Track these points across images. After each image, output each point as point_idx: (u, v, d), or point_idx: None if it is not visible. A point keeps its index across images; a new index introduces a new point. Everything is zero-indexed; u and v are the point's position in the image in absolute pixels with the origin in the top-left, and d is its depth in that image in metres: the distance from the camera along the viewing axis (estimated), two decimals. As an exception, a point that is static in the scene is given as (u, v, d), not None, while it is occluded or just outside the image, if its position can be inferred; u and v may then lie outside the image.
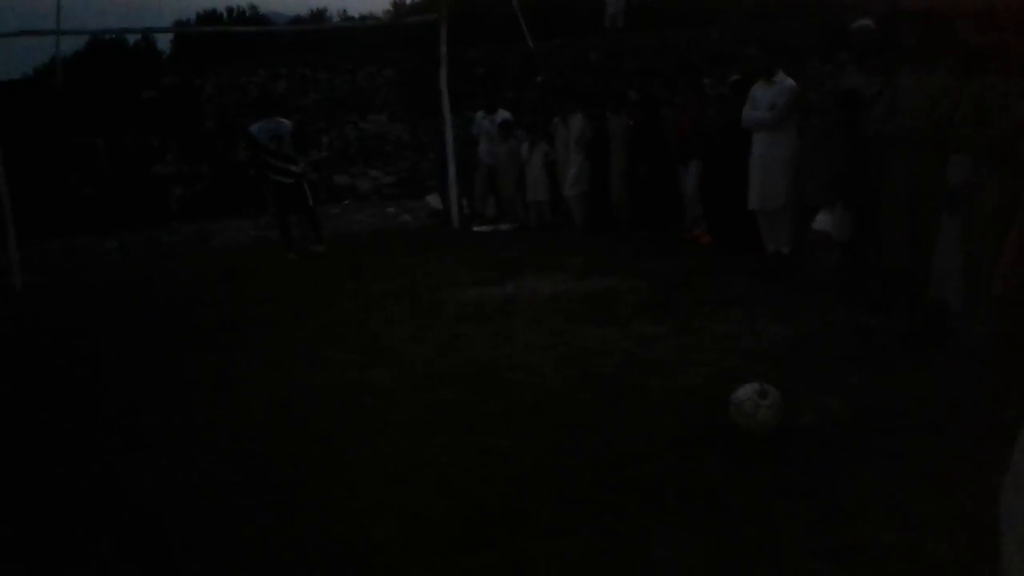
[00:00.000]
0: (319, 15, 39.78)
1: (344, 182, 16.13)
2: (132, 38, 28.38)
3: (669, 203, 9.25)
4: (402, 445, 4.29)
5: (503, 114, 11.72)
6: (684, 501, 3.46)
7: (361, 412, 4.86)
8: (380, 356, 5.94)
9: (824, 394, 4.40)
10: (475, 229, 11.42)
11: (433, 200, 13.24)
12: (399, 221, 13.33)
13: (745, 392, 3.96)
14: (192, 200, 15.24)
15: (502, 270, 8.38)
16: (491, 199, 12.27)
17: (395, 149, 16.50)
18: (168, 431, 4.82)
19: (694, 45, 15.18)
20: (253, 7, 39.14)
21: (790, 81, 7.38)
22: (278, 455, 4.33)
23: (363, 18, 33.48)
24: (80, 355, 6.62)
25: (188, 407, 5.21)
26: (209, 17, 39.06)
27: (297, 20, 38.07)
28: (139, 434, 4.81)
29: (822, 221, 6.51)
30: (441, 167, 12.14)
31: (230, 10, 39.86)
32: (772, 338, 5.37)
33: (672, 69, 11.81)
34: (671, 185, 9.15)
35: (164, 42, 33.62)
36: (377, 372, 5.58)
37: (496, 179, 11.81)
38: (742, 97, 7.91)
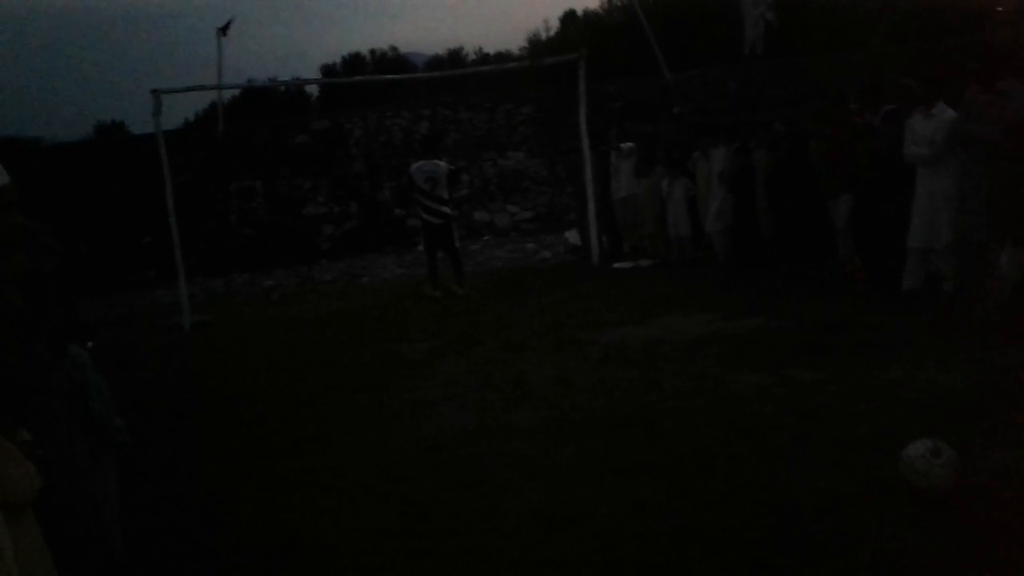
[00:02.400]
0: (456, 54, 41.16)
1: (483, 218, 16.46)
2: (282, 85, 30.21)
3: (819, 238, 8.94)
4: (553, 494, 4.30)
5: (628, 146, 11.68)
6: (847, 566, 3.30)
7: (510, 457, 4.90)
8: (526, 398, 5.99)
9: (1001, 450, 4.10)
10: (615, 266, 11.38)
11: (572, 236, 13.30)
12: (538, 257, 13.45)
13: (917, 448, 3.75)
14: (341, 239, 15.92)
15: (645, 309, 8.30)
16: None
17: (533, 185, 16.72)
18: (327, 471, 5.01)
19: (838, 70, 14.65)
20: (394, 48, 40.96)
21: (950, 112, 6.99)
22: (431, 500, 4.42)
23: (499, 56, 34.35)
24: (243, 396, 6.99)
25: (344, 447, 5.41)
26: (354, 61, 41.11)
27: (435, 60, 39.52)
28: (300, 474, 5.02)
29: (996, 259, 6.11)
30: (580, 203, 12.22)
31: (373, 52, 41.83)
32: (941, 386, 5.06)
33: (816, 98, 11.45)
34: (820, 219, 8.84)
35: (312, 87, 35.60)
36: (524, 415, 5.63)
37: (631, 215, 11.76)
38: (894, 128, 7.58)
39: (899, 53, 14.78)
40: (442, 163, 10.72)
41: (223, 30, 19.17)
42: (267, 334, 9.54)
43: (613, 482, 4.35)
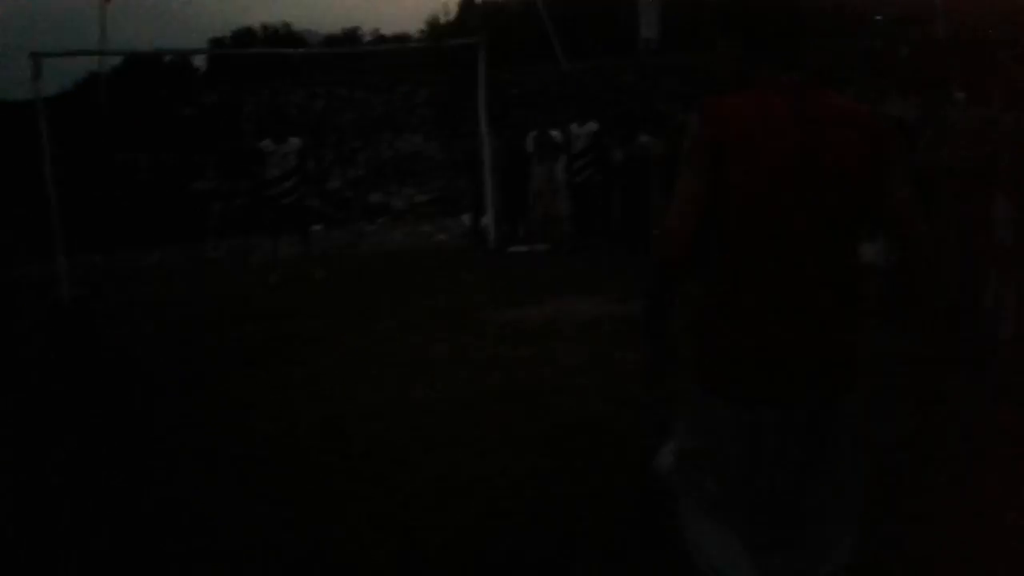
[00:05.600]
0: (352, 33, 40.45)
1: (378, 200, 16.32)
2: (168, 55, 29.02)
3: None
4: (449, 465, 4.37)
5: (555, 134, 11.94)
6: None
7: (407, 430, 4.95)
8: (422, 375, 6.03)
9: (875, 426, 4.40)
10: (511, 249, 11.52)
11: (469, 219, 13.36)
12: (435, 240, 13.46)
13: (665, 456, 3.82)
14: (230, 216, 15.47)
15: (541, 291, 8.45)
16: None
17: (430, 168, 16.68)
18: (218, 448, 4.92)
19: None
20: (287, 24, 39.91)
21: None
22: (327, 471, 4.42)
23: (397, 38, 34.00)
24: (129, 372, 6.76)
25: (237, 423, 5.32)
26: (244, 35, 39.82)
27: (331, 39, 38.73)
28: (192, 453, 4.90)
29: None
30: (476, 187, 12.28)
31: (265, 27, 40.61)
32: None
33: (706, 91, 11.87)
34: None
35: (200, 59, 34.34)
36: (420, 391, 5.68)
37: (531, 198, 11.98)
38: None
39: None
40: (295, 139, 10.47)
41: (106, -3, 18.28)
42: (151, 310, 9.21)
43: (508, 453, 4.46)
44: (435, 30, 31.89)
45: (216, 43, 37.08)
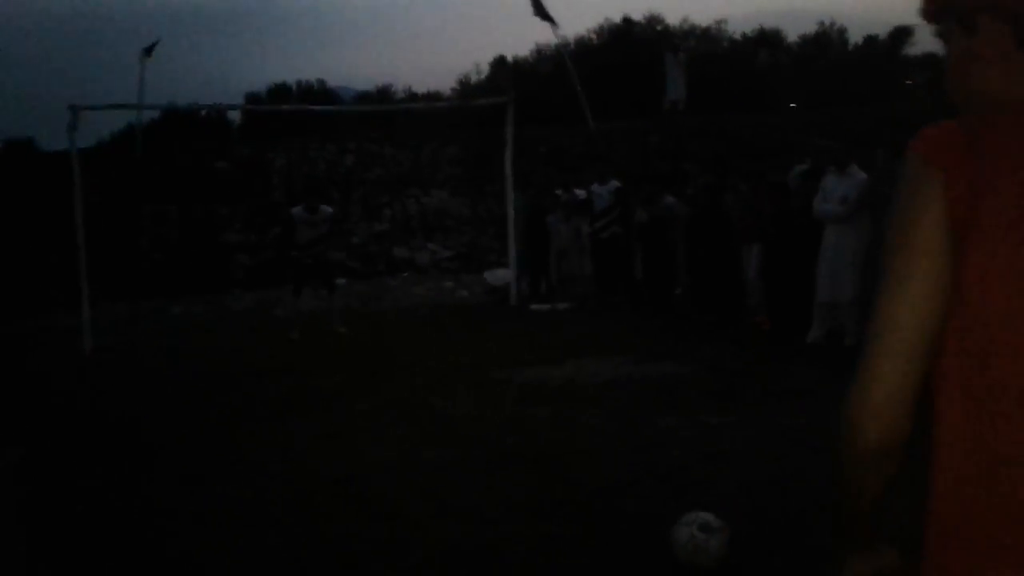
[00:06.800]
0: (385, 91, 41.14)
1: (403, 255, 16.39)
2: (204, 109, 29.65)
3: (730, 287, 9.23)
4: (463, 530, 4.27)
5: (580, 193, 12.03)
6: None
7: (422, 492, 4.85)
8: (439, 435, 5.95)
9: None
10: (532, 307, 11.48)
11: (490, 276, 13.37)
12: (457, 296, 13.46)
13: (683, 532, 3.68)
14: (256, 269, 15.59)
15: (561, 350, 8.38)
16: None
17: (455, 224, 16.78)
18: (235, 505, 4.85)
19: (755, 131, 15.28)
20: (321, 81, 40.68)
21: (863, 175, 7.38)
22: (343, 534, 4.33)
23: (429, 96, 34.57)
24: (146, 425, 6.72)
25: (253, 480, 5.26)
26: (280, 91, 40.59)
27: (364, 96, 39.43)
28: (206, 508, 4.84)
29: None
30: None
31: (299, 83, 41.39)
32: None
33: (733, 155, 11.94)
34: (733, 270, 9.14)
35: (235, 113, 34.97)
36: (438, 451, 5.59)
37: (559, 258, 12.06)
38: (810, 186, 7.93)
39: (809, 118, 15.51)
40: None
41: (147, 52, 18.80)
42: (172, 362, 9.23)
43: (524, 520, 4.34)
44: (466, 89, 32.43)
45: (252, 98, 37.84)
